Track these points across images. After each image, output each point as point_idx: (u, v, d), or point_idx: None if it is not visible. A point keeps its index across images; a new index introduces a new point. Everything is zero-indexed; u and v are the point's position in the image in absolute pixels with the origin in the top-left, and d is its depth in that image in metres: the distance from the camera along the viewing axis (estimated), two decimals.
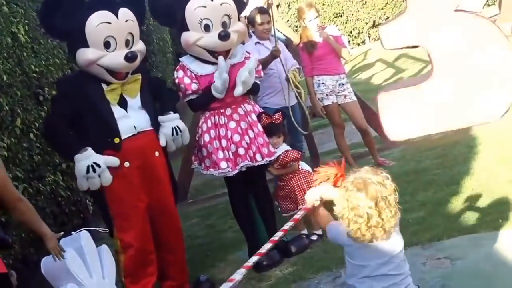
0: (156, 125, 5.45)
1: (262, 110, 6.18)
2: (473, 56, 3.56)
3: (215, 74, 5.66)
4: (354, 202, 3.22)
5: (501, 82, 3.55)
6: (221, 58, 5.62)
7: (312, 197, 3.78)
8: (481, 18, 3.55)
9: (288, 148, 6.29)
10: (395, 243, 3.37)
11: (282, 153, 6.17)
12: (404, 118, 3.77)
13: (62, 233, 4.49)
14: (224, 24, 5.70)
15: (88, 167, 4.95)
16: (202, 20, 5.63)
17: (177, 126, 5.50)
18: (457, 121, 3.74)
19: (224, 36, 5.59)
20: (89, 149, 5.02)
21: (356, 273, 3.47)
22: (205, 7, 5.61)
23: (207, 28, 5.65)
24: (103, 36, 5.08)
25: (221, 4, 5.66)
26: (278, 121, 6.11)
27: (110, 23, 5.10)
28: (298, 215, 4.00)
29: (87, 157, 4.99)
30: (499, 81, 3.55)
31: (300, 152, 6.49)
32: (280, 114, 6.18)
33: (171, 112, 5.56)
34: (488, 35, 3.52)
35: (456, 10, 3.58)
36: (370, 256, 3.37)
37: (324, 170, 3.85)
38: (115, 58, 5.12)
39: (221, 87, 5.64)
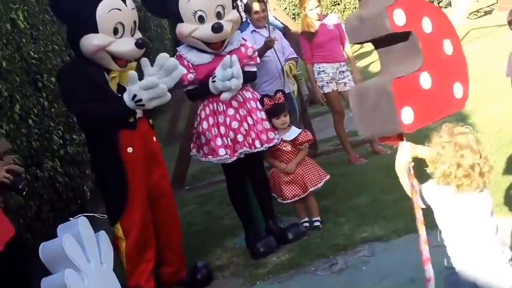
0: (150, 111, 5.50)
1: (261, 96, 6.19)
2: (441, 45, 3.65)
3: (218, 75, 5.65)
4: (460, 160, 3.20)
5: (460, 72, 3.69)
6: (225, 63, 5.61)
7: (404, 161, 3.68)
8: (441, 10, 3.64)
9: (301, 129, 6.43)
10: (485, 198, 3.35)
11: (302, 131, 6.31)
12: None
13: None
14: (218, 15, 5.71)
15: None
16: (196, 11, 5.65)
17: None
18: (437, 112, 3.75)
19: (217, 28, 5.60)
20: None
21: (447, 235, 3.46)
22: None
23: (201, 19, 5.67)
24: (114, 22, 5.13)
25: None
26: (281, 100, 6.18)
27: (120, 9, 5.17)
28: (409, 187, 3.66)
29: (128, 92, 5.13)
30: (458, 70, 3.69)
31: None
32: (280, 93, 6.24)
33: None
34: (447, 26, 3.63)
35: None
36: (461, 210, 3.35)
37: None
38: (125, 44, 5.18)
39: (221, 89, 5.67)
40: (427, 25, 3.61)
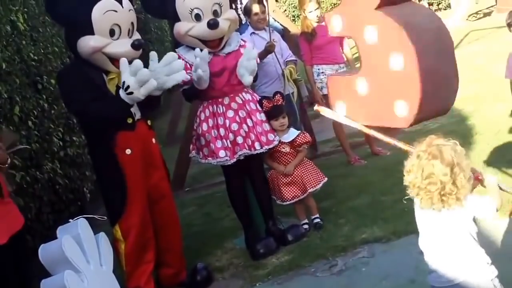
0: (148, 112, 5.52)
1: (259, 98, 6.18)
2: (388, 58, 3.59)
3: (193, 68, 5.65)
4: (429, 170, 3.17)
5: (407, 90, 3.57)
6: (199, 54, 5.58)
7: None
8: (394, 22, 3.52)
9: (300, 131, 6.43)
10: (469, 211, 3.28)
11: (300, 133, 6.31)
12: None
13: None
14: (215, 13, 5.70)
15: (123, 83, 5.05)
16: (192, 9, 5.64)
17: None
18: (371, 118, 3.85)
19: (212, 24, 5.59)
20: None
21: (425, 253, 3.48)
22: None
23: (198, 17, 5.66)
24: (110, 23, 5.12)
25: None
26: (279, 102, 6.16)
27: (116, 11, 5.15)
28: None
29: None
30: (405, 88, 3.56)
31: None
32: (279, 95, 6.21)
33: None
34: (396, 40, 3.54)
35: (376, 9, 3.59)
36: (441, 225, 3.33)
37: None
38: (122, 45, 5.17)
39: (196, 80, 5.65)
40: (370, 35, 3.62)
